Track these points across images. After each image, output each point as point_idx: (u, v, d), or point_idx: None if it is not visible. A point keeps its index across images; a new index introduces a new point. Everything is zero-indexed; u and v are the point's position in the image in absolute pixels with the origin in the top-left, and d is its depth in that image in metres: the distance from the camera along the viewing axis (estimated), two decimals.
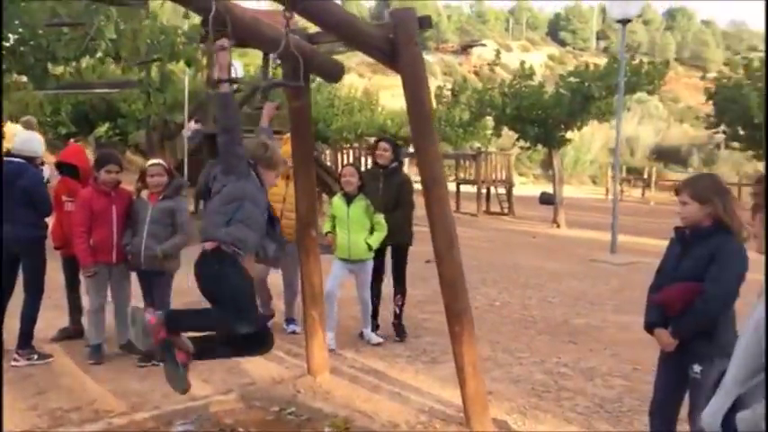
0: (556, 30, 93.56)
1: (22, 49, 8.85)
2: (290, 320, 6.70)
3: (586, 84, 15.75)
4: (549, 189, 28.28)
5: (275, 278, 6.80)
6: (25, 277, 5.54)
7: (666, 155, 48.70)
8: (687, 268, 3.24)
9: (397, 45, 4.02)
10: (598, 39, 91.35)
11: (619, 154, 13.47)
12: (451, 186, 19.34)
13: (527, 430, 4.51)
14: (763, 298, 2.12)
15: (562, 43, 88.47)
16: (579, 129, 17.45)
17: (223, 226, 3.57)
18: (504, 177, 21.03)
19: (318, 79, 7.31)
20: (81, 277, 5.82)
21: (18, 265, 5.57)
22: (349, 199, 6.05)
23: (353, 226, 6.01)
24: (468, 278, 4.60)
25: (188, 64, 10.37)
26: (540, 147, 18.32)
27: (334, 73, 4.85)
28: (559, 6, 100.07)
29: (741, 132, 19.44)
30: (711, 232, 3.20)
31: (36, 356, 5.44)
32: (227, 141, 3.57)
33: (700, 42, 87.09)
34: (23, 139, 5.60)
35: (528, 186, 33.96)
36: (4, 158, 5.49)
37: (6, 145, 6.84)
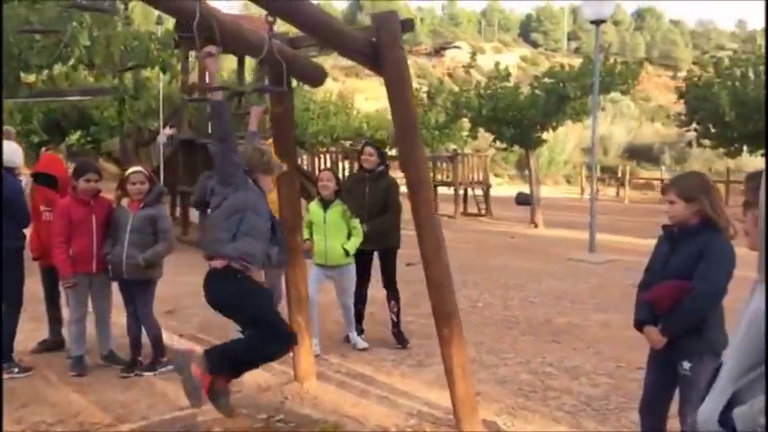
0: (527, 31, 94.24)
1: None
2: None
3: (561, 84, 15.88)
4: (524, 189, 28.48)
5: None
6: (3, 290, 5.43)
7: (638, 153, 49.27)
8: (676, 266, 3.28)
9: (380, 48, 4.01)
10: (569, 39, 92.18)
11: (595, 152, 13.56)
12: None
13: (516, 431, 4.53)
14: (756, 294, 2.14)
15: (534, 44, 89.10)
16: (554, 129, 17.58)
17: (229, 242, 3.54)
18: (480, 179, 21.11)
19: (294, 83, 7.31)
20: (60, 288, 5.73)
21: None
22: (326, 204, 6.01)
23: (330, 231, 5.97)
24: None
25: (163, 70, 10.26)
26: (516, 148, 18.42)
27: (316, 77, 4.84)
28: (530, 8, 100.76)
29: (712, 130, 19.69)
30: (699, 230, 3.24)
31: (17, 369, 5.34)
32: (223, 150, 3.54)
33: (669, 42, 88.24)
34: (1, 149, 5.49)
35: (503, 187, 34.15)
36: None
37: None
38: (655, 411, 3.51)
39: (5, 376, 5.23)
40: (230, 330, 6.48)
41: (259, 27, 4.73)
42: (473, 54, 20.78)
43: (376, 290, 6.67)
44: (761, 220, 1.84)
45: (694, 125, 20.42)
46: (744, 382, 2.14)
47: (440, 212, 19.59)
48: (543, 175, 33.58)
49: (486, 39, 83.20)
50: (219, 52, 3.48)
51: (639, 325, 3.48)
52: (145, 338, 5.58)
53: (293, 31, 4.39)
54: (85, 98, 15.69)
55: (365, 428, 4.51)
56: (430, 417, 4.71)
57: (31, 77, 9.56)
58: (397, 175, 6.81)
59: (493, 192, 21.80)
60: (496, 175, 37.93)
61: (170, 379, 5.37)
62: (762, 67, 18.23)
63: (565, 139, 40.89)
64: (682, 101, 20.53)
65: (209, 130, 13.03)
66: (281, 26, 4.33)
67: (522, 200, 24.35)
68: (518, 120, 16.92)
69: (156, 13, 10.40)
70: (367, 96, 52.29)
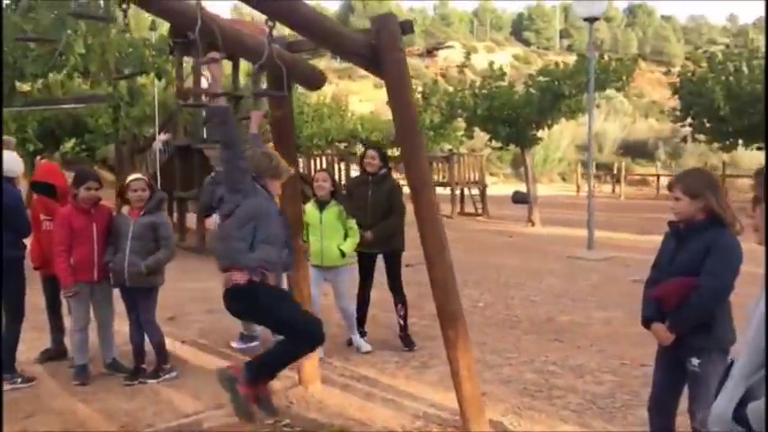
0: (519, 29, 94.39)
1: None
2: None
3: (556, 82, 15.90)
4: (519, 188, 28.51)
5: None
6: (4, 300, 5.40)
7: (633, 149, 49.38)
8: (682, 262, 3.28)
9: (380, 50, 4.00)
10: (561, 37, 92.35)
11: (592, 150, 13.57)
12: None
13: (523, 430, 4.53)
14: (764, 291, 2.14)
15: (526, 43, 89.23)
16: (550, 127, 17.61)
17: (247, 251, 3.52)
18: (477, 178, 21.13)
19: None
20: (62, 297, 5.71)
21: None
22: (321, 205, 5.99)
23: (326, 232, 5.94)
24: None
25: (158, 76, 10.24)
26: (512, 146, 18.44)
27: (315, 80, 4.82)
28: (522, 6, 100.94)
29: (707, 125, 19.75)
30: (706, 226, 3.23)
31: (20, 380, 5.31)
32: (230, 156, 3.52)
33: (661, 38, 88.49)
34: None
35: (499, 186, 34.16)
36: None
37: None
38: (664, 409, 3.50)
39: (8, 387, 5.22)
40: (233, 335, 6.52)
41: (252, 31, 4.73)
42: (467, 54, 20.78)
43: (377, 292, 6.66)
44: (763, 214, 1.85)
45: (689, 120, 20.49)
46: (756, 378, 2.15)
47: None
48: (539, 173, 33.63)
49: (479, 38, 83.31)
50: (223, 58, 3.46)
51: (647, 322, 3.47)
52: (147, 345, 5.56)
53: (286, 31, 4.38)
54: (80, 106, 15.64)
55: (371, 431, 4.50)
56: (436, 418, 4.70)
57: (27, 86, 9.52)
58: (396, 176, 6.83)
59: (489, 191, 21.82)
60: (491, 175, 37.97)
61: (174, 386, 5.37)
62: (755, 62, 18.30)
63: (559, 136, 40.95)
64: (676, 96, 20.61)
65: (204, 135, 13.05)
66: (280, 29, 4.32)
67: (519, 198, 24.36)
68: (513, 118, 16.94)
69: (150, 19, 10.38)
70: (361, 98, 52.37)
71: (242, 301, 3.74)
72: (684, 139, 22.07)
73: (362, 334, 6.45)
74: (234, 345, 6.29)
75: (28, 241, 5.63)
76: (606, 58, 16.86)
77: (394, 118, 4.16)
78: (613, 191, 33.75)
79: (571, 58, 18.13)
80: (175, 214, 13.83)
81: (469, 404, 4.28)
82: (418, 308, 7.37)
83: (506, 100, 16.93)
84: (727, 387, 2.18)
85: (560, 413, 4.79)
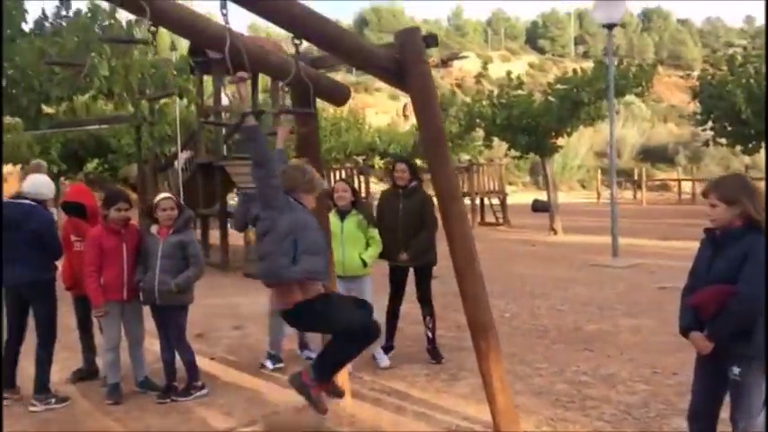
0: (534, 38, 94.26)
1: (13, 91, 8.80)
2: (303, 346, 6.64)
3: (575, 90, 15.84)
4: (538, 196, 28.42)
5: None
6: (37, 321, 5.47)
7: (653, 154, 49.07)
8: (720, 270, 3.24)
9: (404, 64, 4.02)
10: (576, 44, 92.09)
11: (614, 157, 13.49)
12: None
13: None
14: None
15: (541, 51, 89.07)
16: (569, 135, 17.54)
17: (290, 265, 3.53)
18: (497, 188, 21.08)
19: None
20: (93, 317, 5.76)
21: (28, 308, 5.50)
22: (342, 214, 6.01)
23: (347, 241, 5.93)
24: None
25: (180, 95, 10.36)
26: (531, 155, 18.39)
27: (340, 96, 4.85)
28: (535, 15, 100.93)
29: (728, 128, 19.58)
30: (743, 232, 3.20)
31: (53, 400, 5.36)
32: (262, 175, 3.54)
33: (677, 42, 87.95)
34: (32, 181, 5.56)
35: (517, 195, 34.07)
36: (15, 201, 5.45)
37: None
38: (704, 418, 3.45)
39: (42, 407, 5.27)
40: (261, 351, 6.53)
41: (271, 47, 4.76)
42: (484, 64, 20.81)
43: (404, 305, 6.64)
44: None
45: (710, 124, 20.33)
46: None
47: None
48: (557, 180, 33.44)
49: (493, 48, 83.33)
50: (250, 77, 3.49)
51: (685, 331, 3.42)
52: (178, 363, 5.59)
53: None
54: (104, 126, 15.83)
55: None
56: (469, 431, 4.67)
57: (52, 109, 9.67)
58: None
59: (508, 200, 21.77)
60: (510, 183, 37.91)
61: (205, 403, 5.39)
62: None
63: (577, 143, 40.81)
64: (696, 100, 20.47)
65: (225, 153, 13.16)
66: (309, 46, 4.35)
67: (539, 207, 24.29)
68: (532, 127, 16.90)
69: (170, 39, 10.52)
70: (377, 111, 52.57)
71: (298, 321, 3.89)
72: (707, 143, 21.86)
73: (390, 348, 6.43)
74: (269, 365, 6.26)
75: (59, 262, 5.69)
76: (625, 63, 16.79)
77: (420, 131, 4.17)
78: (635, 197, 33.50)
79: (587, 65, 18.09)
80: (198, 231, 13.93)
81: (503, 417, 4.25)
82: (443, 319, 7.35)
83: (525, 109, 16.90)
84: None
85: (595, 424, 4.75)
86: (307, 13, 3.55)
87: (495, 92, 18.27)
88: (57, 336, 5.56)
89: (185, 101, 11.08)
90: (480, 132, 19.78)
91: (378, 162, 31.80)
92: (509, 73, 18.20)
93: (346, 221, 5.97)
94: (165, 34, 3.55)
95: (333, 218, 6.03)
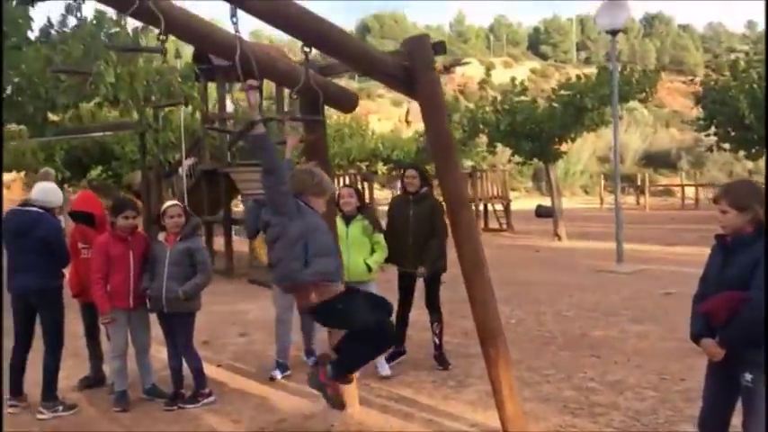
0: (536, 44, 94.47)
1: (19, 98, 8.82)
2: (310, 353, 6.64)
3: (578, 95, 15.85)
4: (541, 202, 28.41)
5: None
6: (44, 329, 5.47)
7: (655, 160, 49.10)
8: (731, 276, 3.23)
9: (413, 72, 4.03)
10: (578, 50, 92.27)
11: (618, 162, 13.49)
12: None
13: None
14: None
15: (543, 57, 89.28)
16: (573, 141, 17.54)
17: (302, 269, 3.54)
18: (500, 193, 21.09)
19: None
20: (100, 324, 5.77)
21: (35, 315, 5.51)
22: (347, 219, 6.01)
23: (352, 246, 5.92)
24: None
25: (185, 102, 10.38)
26: (535, 161, 18.40)
27: (348, 103, 4.86)
28: (538, 20, 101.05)
29: (732, 134, 19.57)
30: (754, 238, 3.19)
31: (61, 407, 5.36)
32: (273, 182, 3.54)
33: (679, 47, 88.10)
34: (40, 189, 5.57)
35: (520, 200, 34.07)
36: (23, 208, 5.47)
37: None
38: (715, 426, 3.44)
39: (50, 415, 5.27)
40: (267, 358, 6.53)
41: (264, 53, 4.73)
42: (487, 70, 20.85)
43: (415, 312, 6.63)
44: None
45: (713, 129, 20.31)
46: None
47: None
48: (560, 186, 33.51)
49: (496, 54, 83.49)
50: (259, 85, 3.50)
51: (696, 337, 3.41)
52: (185, 370, 5.58)
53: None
54: (109, 133, 15.87)
55: None
56: None
57: (57, 117, 9.69)
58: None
59: (511, 206, 21.76)
60: (512, 189, 37.96)
61: (213, 410, 5.39)
62: None
63: (580, 149, 40.82)
64: (699, 106, 20.46)
65: (229, 159, 13.19)
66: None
67: (543, 212, 24.28)
68: (536, 133, 16.90)
69: (174, 47, 10.54)
70: (380, 117, 52.66)
71: (324, 320, 3.99)
72: (710, 149, 21.84)
73: (399, 353, 6.43)
74: (278, 376, 6.24)
75: (66, 270, 5.70)
76: (628, 69, 16.81)
77: (429, 138, 4.18)
78: (638, 202, 33.45)
79: (589, 71, 18.11)
80: (203, 237, 13.95)
81: (512, 424, 4.25)
82: (450, 325, 7.33)
83: (529, 115, 16.91)
84: None
85: (604, 431, 4.73)
86: (316, 20, 3.56)
87: (499, 98, 18.27)
88: (63, 343, 5.56)
89: (190, 108, 11.09)
90: (484, 138, 19.78)
91: (381, 168, 31.83)
92: (513, 79, 18.21)
93: (351, 226, 5.98)
94: (170, 42, 3.53)
95: (338, 223, 6.03)
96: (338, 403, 4.02)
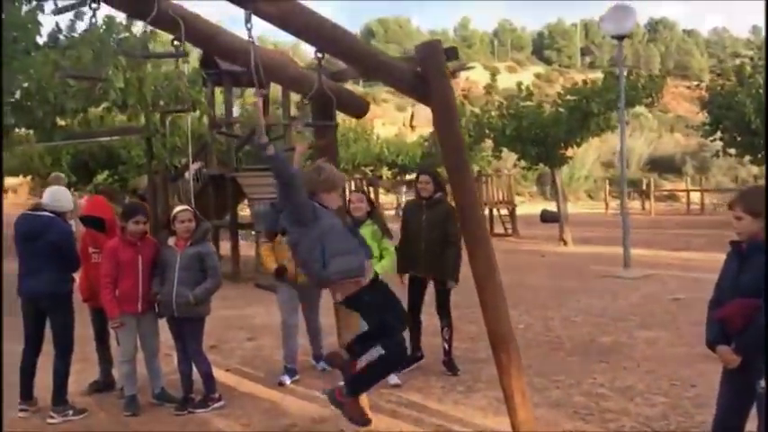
0: (540, 48, 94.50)
1: (29, 103, 8.85)
2: (318, 357, 6.63)
3: (584, 100, 15.85)
4: (545, 207, 28.41)
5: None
6: (54, 333, 5.48)
7: (660, 165, 49.04)
8: (747, 283, 3.22)
9: (426, 78, 4.04)
10: (582, 55, 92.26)
11: (625, 167, 13.48)
12: None
13: None
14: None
15: (547, 61, 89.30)
16: (579, 146, 17.54)
17: (322, 270, 3.57)
18: (505, 198, 21.08)
19: None
20: (109, 328, 5.77)
21: (45, 319, 5.51)
22: (357, 224, 6.01)
23: None
24: None
25: (192, 107, 10.42)
26: (541, 166, 18.40)
27: (359, 108, 4.87)
28: (542, 25, 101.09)
29: (738, 139, 19.55)
30: None
31: (71, 412, 5.36)
32: (289, 193, 3.57)
33: (683, 52, 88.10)
34: (51, 193, 5.59)
35: (524, 205, 34.01)
36: (35, 213, 5.48)
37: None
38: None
39: (60, 419, 5.28)
40: (275, 362, 6.53)
41: (271, 58, 4.74)
42: (493, 75, 20.87)
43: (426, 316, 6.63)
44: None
45: (719, 134, 20.30)
46: None
47: None
48: (565, 191, 33.50)
49: (500, 58, 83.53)
50: (267, 93, 3.53)
51: (712, 344, 3.41)
52: (194, 374, 5.59)
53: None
54: (116, 138, 15.92)
55: None
56: None
57: (65, 121, 9.72)
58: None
59: (516, 211, 21.74)
60: (517, 194, 37.96)
61: (223, 415, 5.39)
62: None
63: (584, 154, 40.79)
64: (704, 111, 20.45)
65: (235, 164, 13.22)
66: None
67: (548, 217, 24.26)
68: (542, 138, 16.90)
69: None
70: (384, 122, 52.70)
71: (352, 308, 3.99)
72: (717, 154, 21.81)
73: (416, 359, 6.45)
74: (287, 381, 6.24)
75: (77, 274, 5.71)
76: (634, 74, 16.81)
77: (441, 143, 4.18)
78: (643, 207, 33.40)
79: (593, 75, 18.13)
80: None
81: (524, 430, 4.24)
82: (457, 330, 7.29)
83: (534, 120, 16.91)
84: None
85: None
86: (330, 26, 3.57)
87: (505, 103, 18.28)
88: (73, 348, 5.57)
89: (197, 113, 11.12)
90: (489, 143, 19.78)
91: (386, 173, 31.84)
92: (519, 84, 18.22)
93: (361, 231, 5.96)
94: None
95: None
96: (360, 420, 3.96)
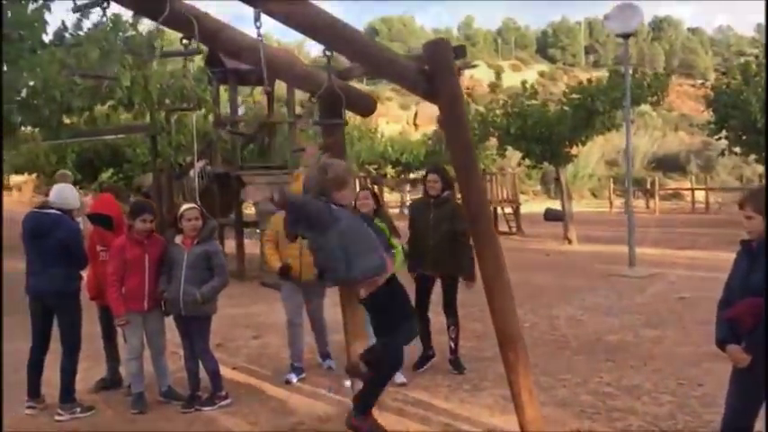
0: (544, 47, 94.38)
1: (35, 102, 8.86)
2: (324, 355, 6.64)
3: (589, 99, 15.82)
4: (549, 205, 28.37)
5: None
6: (61, 331, 5.48)
7: (664, 163, 48.99)
8: (757, 281, 3.21)
9: (434, 76, 4.03)
10: (586, 53, 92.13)
11: (630, 166, 13.46)
12: None
13: None
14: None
15: (551, 60, 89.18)
16: (584, 144, 17.50)
17: (346, 270, 3.58)
18: (510, 196, 21.06)
19: None
20: (116, 326, 5.78)
21: (52, 317, 5.52)
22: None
23: None
24: None
25: (198, 105, 10.43)
26: (545, 164, 18.37)
27: (366, 106, 4.86)
28: (546, 23, 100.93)
29: (743, 138, 19.49)
30: None
31: (79, 409, 5.38)
32: (309, 217, 3.63)
33: (688, 50, 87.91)
34: (58, 191, 5.59)
35: (528, 204, 33.98)
36: (42, 210, 5.49)
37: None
38: (739, 431, 3.43)
39: (68, 417, 5.29)
40: (281, 360, 6.54)
41: (278, 56, 4.72)
42: (497, 74, 20.86)
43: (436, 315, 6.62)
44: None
45: (724, 133, 20.25)
46: None
47: None
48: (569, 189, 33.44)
49: (504, 57, 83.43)
50: (271, 91, 3.54)
51: (721, 343, 3.40)
52: (201, 372, 5.59)
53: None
54: (121, 136, 15.96)
55: None
56: None
57: (71, 120, 9.74)
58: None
59: (520, 209, 21.73)
60: (521, 192, 37.93)
61: (230, 413, 5.40)
62: None
63: (588, 152, 40.72)
64: (710, 109, 20.40)
65: (240, 162, 13.24)
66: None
67: (552, 216, 24.22)
68: (546, 136, 16.87)
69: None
70: (388, 120, 52.69)
71: (369, 309, 4.02)
72: (722, 153, 21.75)
73: (428, 358, 6.47)
74: (293, 380, 6.23)
75: (84, 273, 5.72)
76: (639, 73, 16.77)
77: (449, 142, 4.18)
78: (647, 206, 33.34)
79: (597, 74, 18.10)
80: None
81: (531, 428, 4.24)
82: (463, 329, 7.28)
83: (539, 118, 16.89)
84: None
85: None
86: (339, 24, 3.57)
87: (509, 101, 18.26)
88: (81, 346, 5.58)
89: (202, 111, 11.14)
90: (494, 141, 19.76)
91: (390, 171, 31.82)
92: (524, 82, 18.18)
93: None
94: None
95: None
96: None
